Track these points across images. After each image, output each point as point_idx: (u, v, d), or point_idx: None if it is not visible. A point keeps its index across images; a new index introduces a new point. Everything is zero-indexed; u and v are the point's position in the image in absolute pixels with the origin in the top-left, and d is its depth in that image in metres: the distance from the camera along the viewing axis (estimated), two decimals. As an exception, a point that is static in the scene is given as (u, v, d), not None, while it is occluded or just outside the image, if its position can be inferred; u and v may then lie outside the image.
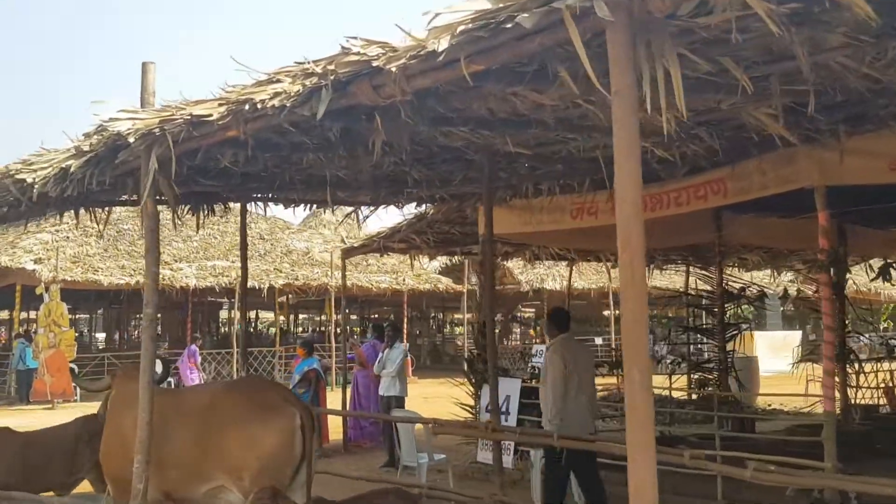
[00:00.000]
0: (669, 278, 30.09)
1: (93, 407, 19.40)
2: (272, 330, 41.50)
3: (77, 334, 28.05)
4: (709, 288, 12.91)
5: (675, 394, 13.65)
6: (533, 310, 40.61)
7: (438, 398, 17.33)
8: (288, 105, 4.11)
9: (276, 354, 25.67)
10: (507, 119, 5.47)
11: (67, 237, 23.04)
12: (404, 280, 26.26)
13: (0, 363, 23.74)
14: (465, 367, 10.53)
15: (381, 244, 12.15)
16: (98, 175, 5.64)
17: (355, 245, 12.60)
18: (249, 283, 23.98)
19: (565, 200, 9.37)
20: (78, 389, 21.19)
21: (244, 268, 9.23)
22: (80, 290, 23.69)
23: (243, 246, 9.20)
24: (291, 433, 5.36)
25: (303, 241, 27.67)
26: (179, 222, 7.40)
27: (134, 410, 5.22)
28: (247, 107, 4.27)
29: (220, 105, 4.47)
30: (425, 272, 26.53)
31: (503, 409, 9.45)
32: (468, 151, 6.75)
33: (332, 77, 3.87)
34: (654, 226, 9.78)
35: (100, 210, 8.29)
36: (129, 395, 5.60)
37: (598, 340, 30.11)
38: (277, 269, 24.88)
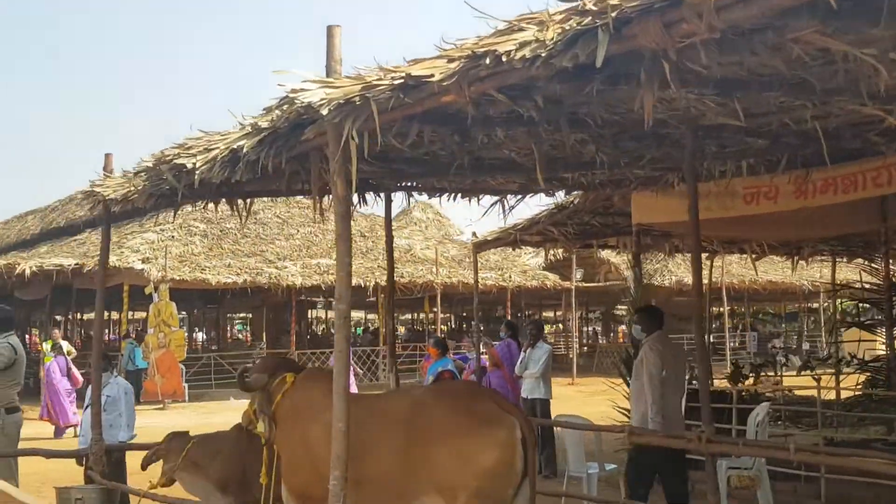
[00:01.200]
0: (781, 271, 28.67)
1: (202, 408, 19.16)
2: (359, 330, 41.30)
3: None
4: (862, 280, 11.85)
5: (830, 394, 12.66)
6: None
7: (560, 399, 16.54)
8: (543, 55, 3.39)
9: (380, 353, 25.18)
10: (751, 79, 4.67)
11: (172, 237, 22.98)
12: (510, 276, 25.47)
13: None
14: (622, 367, 9.76)
15: (518, 237, 11.39)
16: (274, 156, 5.05)
17: (488, 238, 11.90)
18: (354, 282, 23.76)
19: (738, 184, 8.47)
20: (188, 389, 21.08)
21: (390, 264, 8.65)
22: (185, 289, 23.55)
23: (389, 241, 8.58)
24: (512, 447, 4.58)
25: (403, 238, 27.15)
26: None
27: (323, 416, 4.60)
28: (487, 60, 3.56)
29: (450, 62, 3.77)
30: (531, 269, 25.71)
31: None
32: (670, 124, 5.92)
33: (613, 14, 3.14)
34: (818, 213, 8.91)
35: (241, 202, 7.78)
36: (315, 401, 4.99)
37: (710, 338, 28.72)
38: (381, 267, 24.37)
